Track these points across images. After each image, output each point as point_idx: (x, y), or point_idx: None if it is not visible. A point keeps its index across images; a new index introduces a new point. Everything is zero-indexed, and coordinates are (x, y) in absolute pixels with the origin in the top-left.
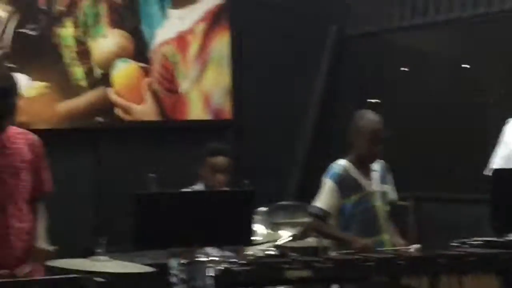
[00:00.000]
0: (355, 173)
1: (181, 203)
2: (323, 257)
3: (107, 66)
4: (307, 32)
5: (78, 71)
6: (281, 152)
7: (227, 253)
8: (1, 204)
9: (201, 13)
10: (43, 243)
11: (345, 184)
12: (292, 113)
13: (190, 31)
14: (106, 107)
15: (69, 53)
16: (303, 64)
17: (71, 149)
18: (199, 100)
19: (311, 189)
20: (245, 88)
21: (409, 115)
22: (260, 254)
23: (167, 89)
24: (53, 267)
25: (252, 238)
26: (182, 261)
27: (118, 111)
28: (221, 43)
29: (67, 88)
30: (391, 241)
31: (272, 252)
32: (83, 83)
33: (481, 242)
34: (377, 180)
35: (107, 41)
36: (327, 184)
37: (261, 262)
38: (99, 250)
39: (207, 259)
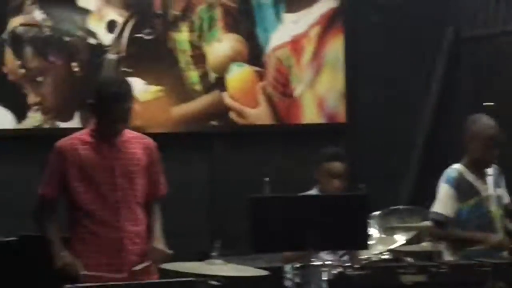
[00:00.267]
0: (470, 177)
1: (295, 207)
2: (439, 261)
3: (221, 70)
4: (422, 33)
5: (193, 75)
6: (395, 156)
7: (342, 258)
8: (115, 207)
9: (315, 17)
10: (161, 245)
11: (461, 188)
12: (406, 116)
13: (305, 34)
14: (220, 111)
15: (184, 58)
16: (418, 66)
17: (186, 153)
18: (313, 104)
19: (425, 193)
20: (359, 91)
21: None
22: (375, 258)
23: (281, 92)
24: (168, 270)
25: (368, 242)
26: (296, 265)
27: (232, 115)
28: (336, 47)
29: (182, 92)
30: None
31: (387, 257)
32: (198, 87)
33: None
34: (492, 184)
35: (222, 45)
36: (444, 189)
37: (376, 266)
38: (214, 254)
39: (321, 263)
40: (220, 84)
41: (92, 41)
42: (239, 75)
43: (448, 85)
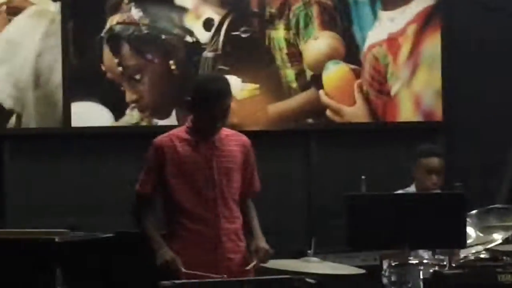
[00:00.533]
0: None
1: (392, 205)
2: None
3: (318, 68)
4: None
5: (289, 73)
6: (493, 154)
7: (439, 256)
8: (213, 204)
9: (412, 14)
10: (264, 243)
11: None
12: (504, 114)
13: (402, 32)
14: (317, 109)
15: (280, 55)
16: None
17: (282, 151)
18: (410, 102)
19: None
20: (457, 89)
21: None
22: (471, 257)
23: (378, 90)
24: (266, 267)
25: (466, 241)
26: (393, 263)
27: (328, 113)
28: (433, 44)
29: (278, 90)
30: None
31: (484, 256)
32: (294, 85)
33: None
34: None
35: (318, 43)
36: None
37: (473, 266)
38: (310, 251)
39: (418, 261)
40: (316, 82)
41: (189, 39)
42: (335, 73)
43: None
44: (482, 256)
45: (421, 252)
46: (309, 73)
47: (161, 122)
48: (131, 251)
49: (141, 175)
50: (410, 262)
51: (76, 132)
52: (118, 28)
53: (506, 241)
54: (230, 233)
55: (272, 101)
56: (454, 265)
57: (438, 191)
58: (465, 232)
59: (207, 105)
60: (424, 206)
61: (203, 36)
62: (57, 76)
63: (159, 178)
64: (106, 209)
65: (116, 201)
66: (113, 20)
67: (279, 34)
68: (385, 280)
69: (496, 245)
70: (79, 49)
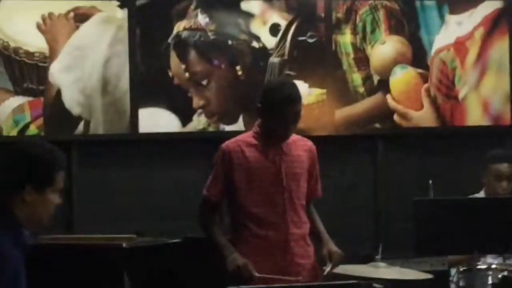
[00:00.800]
0: None
1: (460, 210)
2: None
3: (385, 72)
4: None
5: (356, 78)
6: None
7: (508, 261)
8: (281, 210)
9: (480, 18)
10: (335, 247)
11: None
12: None
13: (469, 36)
14: (384, 113)
15: (347, 60)
16: None
17: (350, 156)
18: (478, 106)
19: None
20: None
21: None
22: None
23: (446, 95)
24: (333, 272)
25: None
26: (461, 268)
27: (396, 117)
28: (501, 48)
29: (345, 95)
30: None
31: None
32: (361, 89)
33: None
34: None
35: (385, 47)
36: None
37: None
38: (377, 257)
39: (487, 266)
40: (383, 86)
41: (255, 44)
42: (402, 78)
43: None
44: None
45: (490, 257)
46: (376, 78)
47: (228, 128)
48: (198, 256)
49: (209, 181)
50: (478, 267)
51: (144, 138)
52: (185, 34)
53: None
54: (298, 238)
55: (339, 106)
56: None
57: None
58: None
59: (279, 110)
60: (494, 211)
61: (270, 41)
62: (124, 83)
63: (226, 184)
64: (174, 215)
65: (184, 206)
66: (180, 26)
67: (345, 38)
68: (453, 286)
69: None
70: (146, 55)
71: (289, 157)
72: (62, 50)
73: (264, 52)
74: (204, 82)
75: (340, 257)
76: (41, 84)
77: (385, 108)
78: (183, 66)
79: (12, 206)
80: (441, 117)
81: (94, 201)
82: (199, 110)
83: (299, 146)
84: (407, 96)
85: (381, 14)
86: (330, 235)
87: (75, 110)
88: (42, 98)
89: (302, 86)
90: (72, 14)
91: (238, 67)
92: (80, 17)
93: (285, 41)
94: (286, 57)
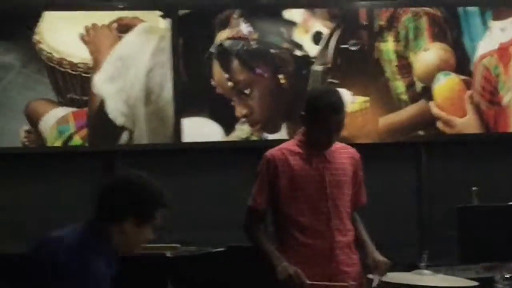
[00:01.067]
0: None
1: (504, 217)
2: None
3: (428, 79)
4: None
5: (399, 85)
6: None
7: None
8: (326, 218)
9: None
10: (380, 255)
11: None
12: None
13: None
14: (427, 120)
15: (390, 68)
16: None
17: (393, 163)
18: None
19: None
20: None
21: None
22: None
23: (489, 101)
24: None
25: None
26: (506, 275)
27: (440, 124)
28: None
29: (389, 102)
30: None
31: None
32: (405, 97)
33: None
34: None
35: (428, 54)
36: None
37: None
38: (422, 264)
39: None
40: (427, 93)
41: (298, 53)
42: (446, 84)
43: None
44: None
45: None
46: (419, 85)
47: (271, 136)
48: (242, 265)
49: (254, 190)
50: None
51: (187, 147)
52: (227, 43)
53: None
54: (343, 246)
55: (383, 113)
56: None
57: None
58: None
59: (323, 119)
60: None
61: (312, 49)
62: (167, 92)
63: (271, 192)
64: (217, 223)
65: (227, 215)
66: (222, 35)
67: (388, 46)
68: None
69: None
70: (189, 65)
71: (332, 165)
72: (105, 60)
73: (306, 60)
74: (247, 91)
75: (386, 265)
76: (85, 94)
77: (429, 115)
78: (226, 75)
79: (110, 232)
80: (485, 123)
81: None
82: (242, 119)
83: (343, 154)
84: (450, 103)
85: (423, 21)
86: (374, 242)
87: (119, 120)
88: (86, 109)
89: (345, 94)
90: (115, 25)
91: (280, 76)
92: (123, 27)
93: (328, 49)
94: (329, 65)
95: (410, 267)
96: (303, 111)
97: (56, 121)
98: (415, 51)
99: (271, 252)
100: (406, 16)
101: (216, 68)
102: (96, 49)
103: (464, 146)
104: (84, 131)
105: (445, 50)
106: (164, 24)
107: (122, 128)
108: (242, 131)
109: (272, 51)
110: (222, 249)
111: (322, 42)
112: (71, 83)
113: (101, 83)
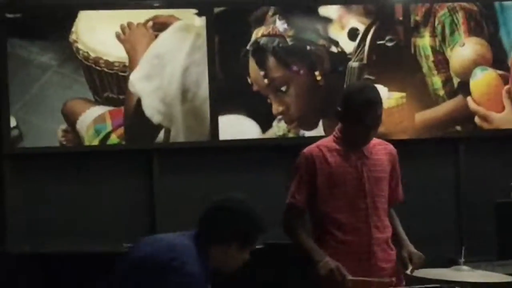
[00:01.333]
0: None
1: None
2: None
3: (465, 74)
4: None
5: (436, 81)
6: None
7: None
8: (364, 215)
9: None
10: (414, 249)
11: None
12: None
13: None
14: (465, 116)
15: (426, 63)
16: None
17: (431, 159)
18: None
19: None
20: None
21: None
22: None
23: None
24: (416, 276)
25: None
26: None
27: (477, 120)
28: None
29: (426, 98)
30: None
31: None
32: (441, 92)
33: None
34: None
35: (465, 49)
36: None
37: None
38: (461, 260)
39: None
40: (464, 88)
41: (334, 49)
42: (483, 79)
43: None
44: None
45: None
46: (456, 80)
47: (308, 133)
48: (281, 262)
49: (292, 187)
50: None
51: (224, 145)
52: (263, 40)
53: None
54: (381, 243)
55: (419, 109)
56: None
57: None
58: None
59: (360, 114)
60: None
61: (348, 46)
62: (204, 90)
63: (310, 188)
64: None
65: (264, 213)
66: (258, 33)
67: (424, 41)
68: None
69: None
70: (225, 63)
71: (370, 161)
72: (141, 59)
73: (343, 56)
74: (283, 88)
75: (421, 258)
76: (121, 93)
77: (466, 110)
78: (262, 73)
79: (213, 251)
80: None
81: (175, 209)
82: (279, 116)
83: (380, 150)
84: (487, 98)
85: (460, 16)
86: (412, 238)
87: (156, 118)
88: (122, 107)
89: (381, 90)
90: (150, 23)
91: (317, 72)
92: (159, 26)
93: (364, 45)
94: (365, 62)
95: (449, 262)
96: (339, 107)
97: (93, 120)
98: (451, 46)
99: (312, 248)
100: (442, 11)
101: (252, 66)
102: (132, 48)
103: (501, 141)
104: (121, 130)
105: (481, 44)
106: (199, 22)
107: (159, 127)
108: (278, 128)
109: (308, 48)
110: (260, 246)
111: (358, 39)
112: (108, 82)
113: (137, 82)
